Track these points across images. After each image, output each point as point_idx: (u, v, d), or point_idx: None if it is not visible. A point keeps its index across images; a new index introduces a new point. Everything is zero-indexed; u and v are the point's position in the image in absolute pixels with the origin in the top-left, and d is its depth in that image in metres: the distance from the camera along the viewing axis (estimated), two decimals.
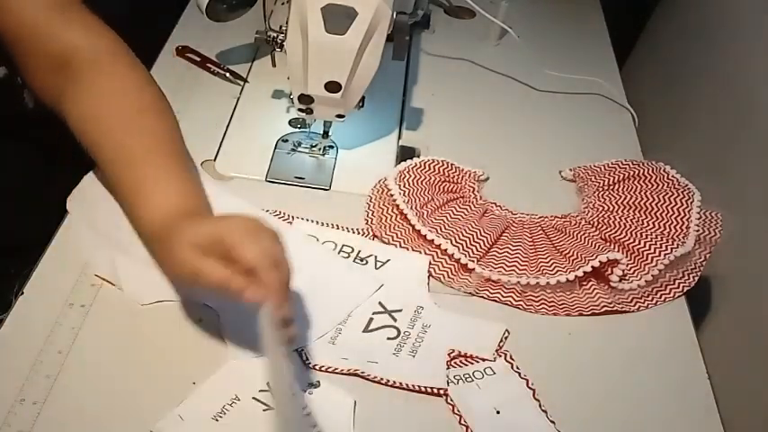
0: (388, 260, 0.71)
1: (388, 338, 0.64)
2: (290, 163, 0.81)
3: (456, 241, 0.70)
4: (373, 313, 0.66)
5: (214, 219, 0.61)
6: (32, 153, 0.74)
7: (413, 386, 0.61)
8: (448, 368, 0.63)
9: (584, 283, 0.71)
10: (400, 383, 0.61)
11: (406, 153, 0.84)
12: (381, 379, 0.61)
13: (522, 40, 1.00)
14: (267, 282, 0.53)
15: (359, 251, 0.72)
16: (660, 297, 0.72)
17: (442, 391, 0.61)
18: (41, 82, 0.68)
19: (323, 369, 0.61)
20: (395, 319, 0.66)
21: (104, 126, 0.65)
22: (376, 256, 0.71)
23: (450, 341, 0.64)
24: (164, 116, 0.68)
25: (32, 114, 0.71)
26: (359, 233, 0.74)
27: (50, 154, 0.75)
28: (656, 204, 0.75)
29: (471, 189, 0.79)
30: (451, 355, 0.63)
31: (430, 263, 0.71)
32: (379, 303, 0.67)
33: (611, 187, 0.79)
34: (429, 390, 0.61)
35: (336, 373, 0.61)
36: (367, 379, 0.61)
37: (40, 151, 0.75)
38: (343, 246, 0.72)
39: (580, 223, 0.76)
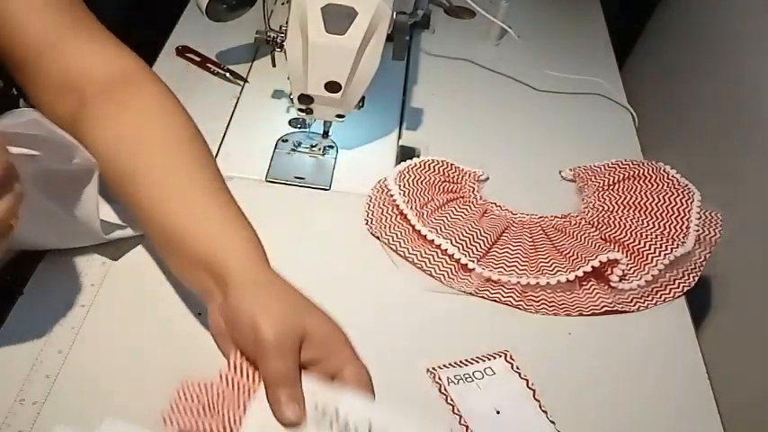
0: None
1: None
2: (289, 163, 0.81)
3: (456, 241, 0.70)
4: None
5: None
6: None
7: None
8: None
9: (584, 283, 0.71)
10: None
11: (406, 153, 0.84)
12: None
13: (522, 40, 1.00)
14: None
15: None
16: (660, 297, 0.72)
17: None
18: (51, 107, 0.60)
19: None
20: None
21: (145, 149, 0.57)
22: None
23: None
24: (206, 146, 0.61)
25: None
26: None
27: None
28: (656, 204, 0.75)
29: (471, 189, 0.79)
30: None
31: (430, 262, 0.71)
32: None
33: (611, 187, 0.79)
34: None
35: None
36: None
37: None
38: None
39: (580, 223, 0.76)
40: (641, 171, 0.80)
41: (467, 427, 0.59)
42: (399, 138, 0.87)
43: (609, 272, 0.70)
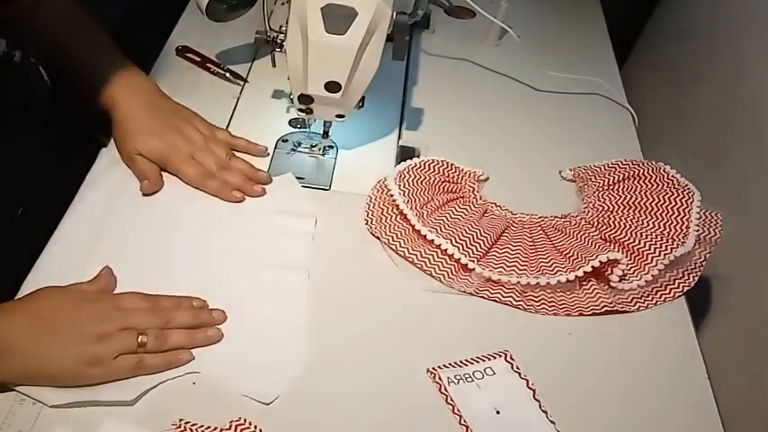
0: None
1: None
2: (289, 163, 0.81)
3: (456, 241, 0.70)
4: None
5: (157, 139, 0.74)
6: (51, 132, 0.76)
7: None
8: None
9: (585, 283, 0.71)
10: None
11: (406, 153, 0.84)
12: None
13: (522, 40, 1.00)
14: (208, 188, 0.75)
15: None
16: (660, 297, 0.72)
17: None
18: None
19: None
20: None
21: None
22: None
23: None
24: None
25: (52, 95, 0.73)
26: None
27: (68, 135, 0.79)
28: (656, 204, 0.75)
29: (471, 189, 0.79)
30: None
31: (430, 262, 0.71)
32: None
33: (611, 187, 0.79)
34: None
35: None
36: None
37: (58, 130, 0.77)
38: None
39: (580, 223, 0.76)
40: (641, 171, 0.80)
41: (467, 426, 0.59)
42: (399, 138, 0.87)
43: (609, 272, 0.70)
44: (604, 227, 0.75)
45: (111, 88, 0.75)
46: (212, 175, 0.75)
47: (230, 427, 0.56)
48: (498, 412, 0.61)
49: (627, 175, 0.80)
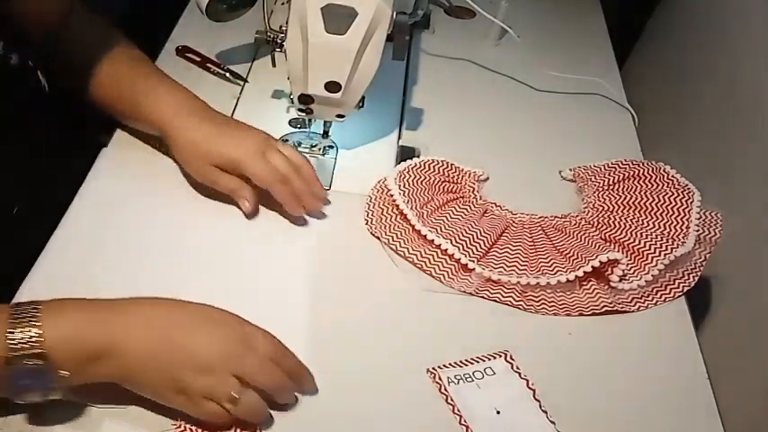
0: None
1: None
2: None
3: (456, 241, 0.70)
4: None
5: (228, 140, 0.72)
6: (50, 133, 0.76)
7: None
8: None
9: (585, 283, 0.71)
10: None
11: (406, 153, 0.84)
12: None
13: (522, 40, 1.00)
14: (277, 192, 0.71)
15: None
16: (660, 297, 0.72)
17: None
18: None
19: None
20: None
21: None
22: None
23: None
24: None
25: (49, 97, 0.73)
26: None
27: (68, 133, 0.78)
28: (656, 204, 0.75)
29: (471, 189, 0.79)
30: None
31: (430, 262, 0.71)
32: None
33: (611, 187, 0.79)
34: None
35: None
36: None
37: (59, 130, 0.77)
38: None
39: (580, 223, 0.76)
40: (641, 171, 0.80)
41: (467, 426, 0.59)
42: (399, 138, 0.87)
43: (609, 272, 0.70)
44: (604, 227, 0.75)
45: (164, 109, 0.73)
46: (284, 179, 0.71)
47: (230, 427, 0.56)
48: (498, 412, 0.61)
49: (627, 175, 0.80)
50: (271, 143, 0.73)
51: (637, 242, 0.72)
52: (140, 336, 0.54)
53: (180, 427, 0.56)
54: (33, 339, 0.50)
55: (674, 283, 0.72)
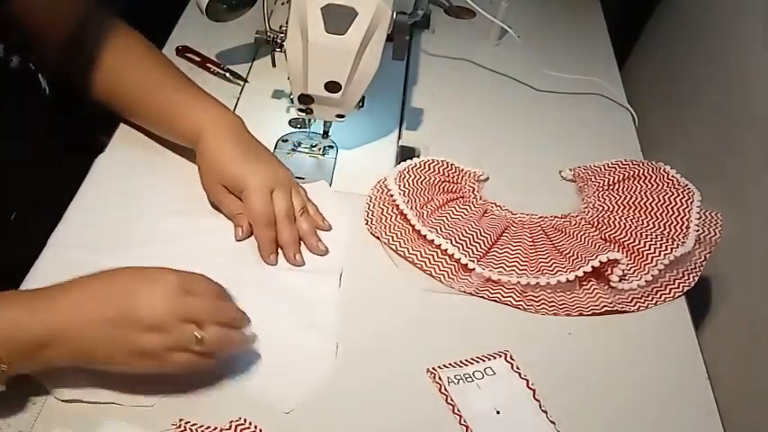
0: None
1: None
2: (289, 163, 0.81)
3: (456, 241, 0.70)
4: None
5: (246, 166, 0.71)
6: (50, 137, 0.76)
7: None
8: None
9: (585, 283, 0.71)
10: None
11: (406, 153, 0.84)
12: None
13: (522, 40, 1.00)
14: (257, 232, 0.70)
15: None
16: (660, 297, 0.72)
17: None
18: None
19: None
20: None
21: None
22: None
23: None
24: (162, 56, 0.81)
25: (50, 101, 0.72)
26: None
27: (70, 136, 0.78)
28: (655, 204, 0.75)
29: (471, 189, 0.79)
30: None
31: (430, 262, 0.71)
32: None
33: (611, 187, 0.79)
34: None
35: None
36: None
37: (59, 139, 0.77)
38: None
39: (580, 223, 0.76)
40: (641, 171, 0.80)
41: (467, 426, 0.59)
42: (399, 138, 0.87)
43: (609, 272, 0.70)
44: (604, 227, 0.75)
45: (199, 123, 0.74)
46: (271, 223, 0.70)
47: (230, 427, 0.56)
48: (498, 412, 0.61)
49: (627, 175, 0.80)
50: (284, 183, 0.72)
51: (637, 242, 0.72)
52: (82, 316, 0.54)
53: (180, 427, 0.56)
54: None
55: (674, 283, 0.72)
